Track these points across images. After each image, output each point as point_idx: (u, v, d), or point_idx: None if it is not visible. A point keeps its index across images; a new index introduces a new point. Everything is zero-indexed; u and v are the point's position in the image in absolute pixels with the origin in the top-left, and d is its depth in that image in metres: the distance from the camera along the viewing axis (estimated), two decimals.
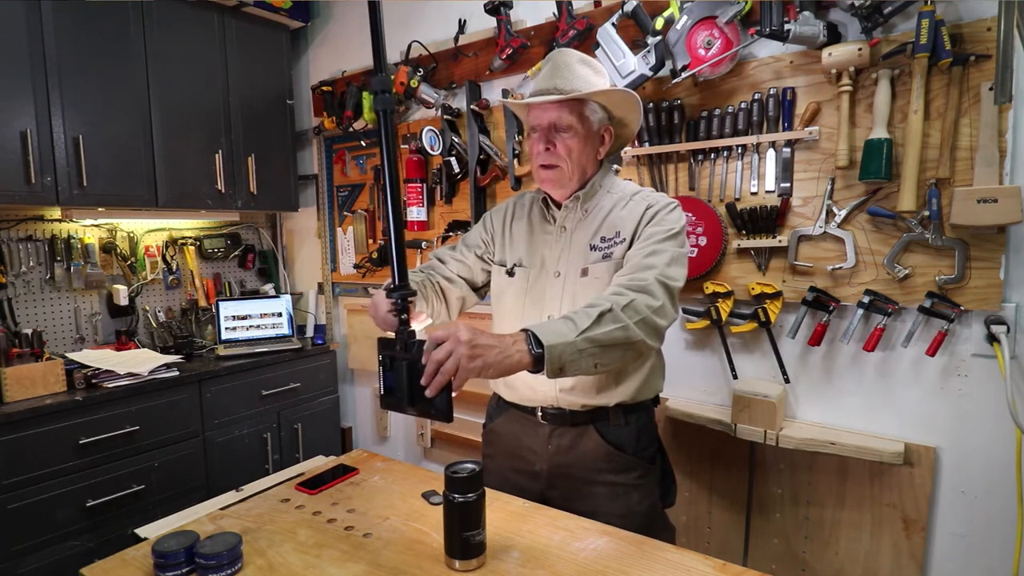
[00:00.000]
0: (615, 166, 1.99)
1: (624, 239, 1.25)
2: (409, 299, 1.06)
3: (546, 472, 1.33)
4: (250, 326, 2.69)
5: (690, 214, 1.82)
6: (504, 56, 2.11)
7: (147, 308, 2.61)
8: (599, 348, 1.02)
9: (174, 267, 2.69)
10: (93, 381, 2.06)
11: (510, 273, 1.36)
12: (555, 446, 1.32)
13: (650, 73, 1.78)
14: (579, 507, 1.23)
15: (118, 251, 2.50)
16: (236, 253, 2.94)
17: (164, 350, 2.51)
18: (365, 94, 2.53)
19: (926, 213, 1.51)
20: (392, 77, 2.44)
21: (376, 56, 1.07)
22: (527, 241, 1.37)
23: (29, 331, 2.08)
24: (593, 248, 1.27)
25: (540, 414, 1.33)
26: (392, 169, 1.08)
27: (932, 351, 1.54)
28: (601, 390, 1.28)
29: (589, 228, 1.29)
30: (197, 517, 1.20)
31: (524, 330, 1.00)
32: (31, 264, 2.27)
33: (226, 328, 2.64)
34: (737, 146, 1.77)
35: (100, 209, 2.31)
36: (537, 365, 0.98)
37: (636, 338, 1.06)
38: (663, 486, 1.38)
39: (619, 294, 1.09)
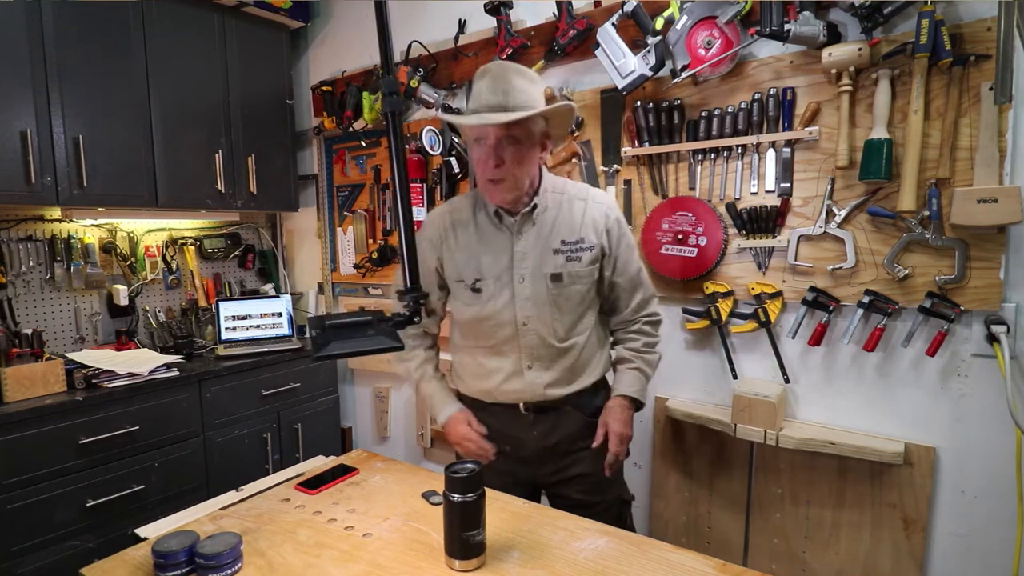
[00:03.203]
0: (615, 166, 2.00)
1: (592, 246, 1.37)
2: (421, 301, 1.06)
3: (535, 456, 1.44)
4: (250, 326, 2.69)
5: (690, 214, 1.82)
6: (504, 56, 2.11)
7: (147, 308, 2.61)
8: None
9: (174, 267, 2.69)
10: (93, 381, 2.06)
11: (475, 289, 1.39)
12: (540, 431, 1.43)
13: (650, 73, 1.78)
14: (568, 474, 1.44)
15: (118, 251, 2.50)
16: (236, 253, 2.94)
17: (164, 350, 2.51)
18: (365, 94, 2.53)
19: (926, 213, 1.51)
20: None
21: (384, 57, 1.06)
22: (479, 251, 1.39)
23: (29, 331, 2.08)
24: (556, 252, 1.35)
25: (522, 407, 1.42)
26: (402, 171, 1.07)
27: (932, 351, 1.54)
28: (577, 378, 1.42)
29: (544, 231, 1.36)
30: (197, 517, 1.20)
31: (629, 398, 1.42)
32: (31, 264, 2.27)
33: (226, 328, 2.64)
34: (737, 146, 1.77)
35: (100, 209, 2.30)
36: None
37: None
38: None
39: (653, 336, 1.49)
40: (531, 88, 1.29)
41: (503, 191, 1.31)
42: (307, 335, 2.94)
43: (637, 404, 1.44)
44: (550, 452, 1.43)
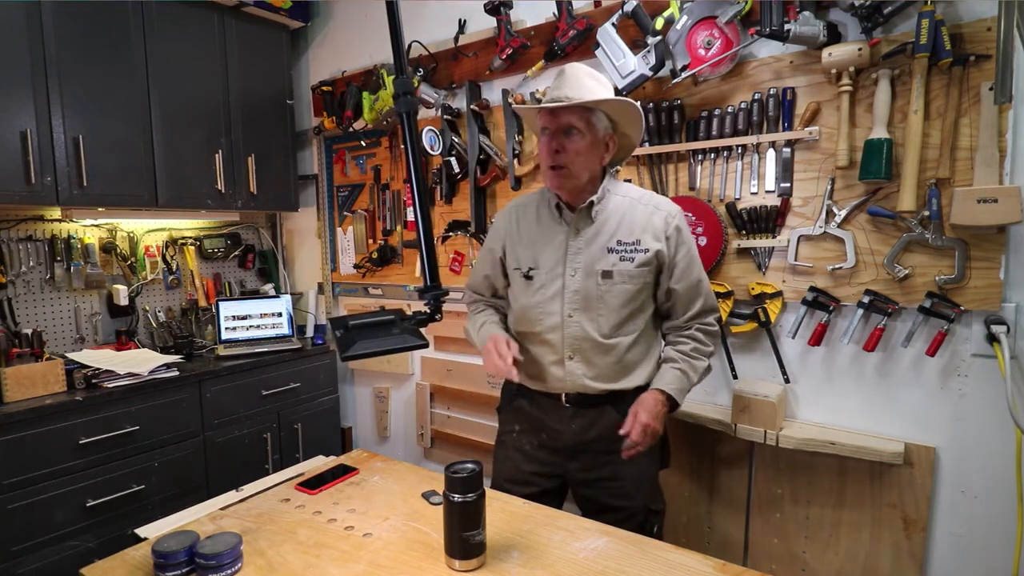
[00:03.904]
0: (615, 166, 2.00)
1: (648, 249, 1.38)
2: (441, 299, 1.07)
3: (569, 448, 1.46)
4: (250, 326, 2.69)
5: (690, 214, 1.82)
6: (504, 56, 2.11)
7: (147, 308, 2.61)
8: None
9: (174, 267, 2.69)
10: (93, 381, 2.06)
11: (527, 276, 1.46)
12: (579, 425, 1.44)
13: (650, 73, 1.78)
14: (599, 474, 1.44)
15: (118, 251, 2.50)
16: (236, 253, 2.94)
17: (164, 350, 2.51)
18: (365, 94, 2.53)
19: (926, 213, 1.51)
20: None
21: (396, 57, 1.07)
22: (538, 242, 1.46)
23: (29, 331, 2.08)
24: (611, 251, 1.38)
25: (564, 398, 1.44)
26: (418, 171, 1.09)
27: (932, 351, 1.54)
28: (621, 377, 1.43)
29: (602, 230, 1.41)
30: (197, 517, 1.20)
31: (665, 394, 1.39)
32: (31, 264, 2.27)
33: (226, 328, 2.64)
34: (737, 146, 1.77)
35: (100, 209, 2.30)
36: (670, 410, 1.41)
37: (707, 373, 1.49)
38: (662, 451, 1.55)
39: (705, 344, 1.45)
40: (598, 88, 1.35)
41: (561, 178, 1.36)
42: (307, 335, 2.94)
43: (673, 403, 1.41)
44: (585, 448, 1.45)
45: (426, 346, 1.05)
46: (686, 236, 1.43)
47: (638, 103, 1.38)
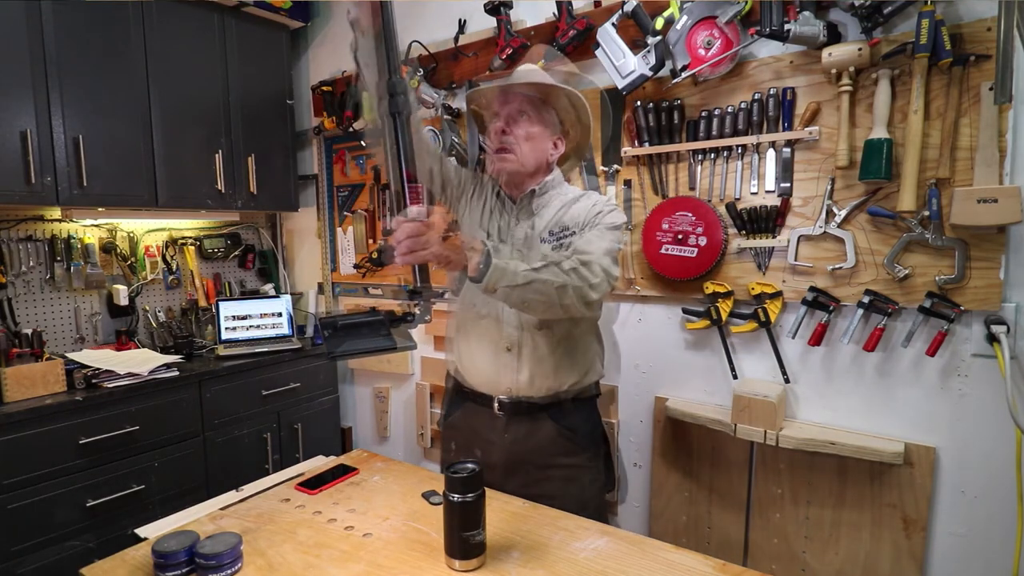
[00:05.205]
0: (615, 166, 2.00)
1: (576, 232, 1.40)
2: (432, 300, 1.07)
3: (503, 462, 1.41)
4: (250, 326, 2.69)
5: (690, 214, 1.82)
6: (504, 56, 2.11)
7: (147, 308, 2.61)
8: (533, 291, 1.15)
9: (174, 267, 2.69)
10: (93, 381, 2.06)
11: None
12: (512, 436, 1.41)
13: (650, 73, 1.78)
14: (536, 491, 1.33)
15: (118, 251, 2.50)
16: (236, 253, 2.94)
17: (164, 350, 2.51)
18: (365, 94, 2.53)
19: (926, 213, 1.51)
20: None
21: (388, 57, 1.07)
22: (485, 224, 1.48)
23: (29, 331, 2.08)
24: (544, 240, 1.42)
25: (496, 405, 1.39)
26: (410, 172, 1.08)
27: (932, 351, 1.54)
28: (558, 373, 1.39)
29: (541, 222, 1.43)
30: (197, 517, 1.20)
31: (484, 244, 1.13)
32: (31, 264, 2.27)
33: (226, 328, 2.64)
34: (737, 146, 1.77)
35: (100, 209, 2.31)
36: (477, 273, 1.11)
37: (567, 298, 1.19)
38: (607, 472, 1.53)
39: (568, 259, 1.25)
40: (547, 80, 1.41)
41: (507, 161, 1.39)
42: (307, 335, 2.94)
43: (486, 263, 1.11)
44: (521, 462, 1.41)
45: (414, 347, 1.05)
46: (605, 216, 1.37)
47: (587, 102, 1.44)
